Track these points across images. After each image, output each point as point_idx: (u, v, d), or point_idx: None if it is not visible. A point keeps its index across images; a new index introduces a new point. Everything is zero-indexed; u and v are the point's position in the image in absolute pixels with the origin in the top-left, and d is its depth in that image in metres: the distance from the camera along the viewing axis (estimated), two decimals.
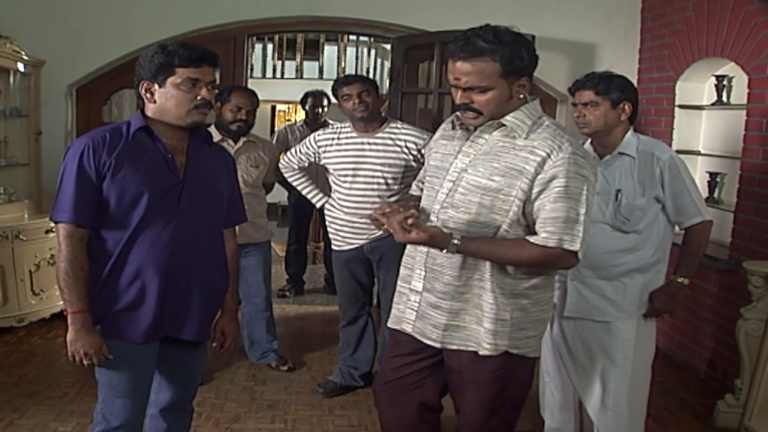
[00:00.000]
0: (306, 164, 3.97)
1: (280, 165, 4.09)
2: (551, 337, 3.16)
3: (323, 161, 3.83)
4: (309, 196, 4.04)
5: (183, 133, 2.35)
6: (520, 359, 2.33)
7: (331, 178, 3.84)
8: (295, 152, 3.96)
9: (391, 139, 3.66)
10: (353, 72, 11.00)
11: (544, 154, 2.14)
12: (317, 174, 4.56)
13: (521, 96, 2.21)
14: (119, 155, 2.22)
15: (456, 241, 2.16)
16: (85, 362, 2.25)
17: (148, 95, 2.29)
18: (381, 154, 3.64)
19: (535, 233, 2.20)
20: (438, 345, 2.36)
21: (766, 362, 3.48)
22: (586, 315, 2.98)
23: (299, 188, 4.06)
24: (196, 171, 2.36)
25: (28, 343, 4.61)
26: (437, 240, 2.17)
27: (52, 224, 4.86)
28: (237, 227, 3.97)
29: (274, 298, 5.86)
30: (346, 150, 3.72)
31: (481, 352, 2.29)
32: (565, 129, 2.26)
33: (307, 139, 3.93)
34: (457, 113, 2.32)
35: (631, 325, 2.97)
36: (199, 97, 2.27)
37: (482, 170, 2.22)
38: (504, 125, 2.22)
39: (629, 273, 2.93)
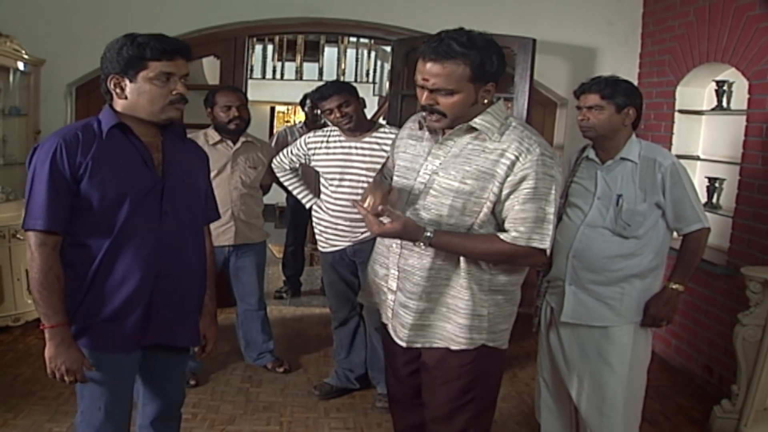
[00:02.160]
0: (297, 165, 3.98)
1: (272, 165, 4.09)
2: (548, 342, 3.16)
3: (312, 163, 3.83)
4: (299, 197, 4.04)
5: (156, 129, 2.23)
6: (493, 351, 2.38)
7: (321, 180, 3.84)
8: (287, 153, 3.97)
9: (378, 143, 3.66)
10: (353, 75, 11.03)
11: (513, 158, 2.18)
12: (315, 176, 4.55)
13: (485, 101, 2.23)
14: (95, 156, 2.08)
15: (429, 234, 2.20)
16: (67, 379, 2.12)
17: (118, 90, 2.14)
18: (368, 158, 3.64)
19: (504, 230, 2.24)
20: (404, 344, 2.40)
21: (763, 368, 3.47)
22: (584, 320, 2.97)
23: (290, 188, 4.06)
24: (174, 168, 2.24)
25: (23, 343, 4.60)
26: (410, 230, 2.21)
27: None
28: (234, 228, 4.01)
29: (270, 300, 5.90)
30: (334, 153, 3.72)
31: (453, 347, 2.33)
32: (531, 128, 2.30)
33: (298, 141, 3.93)
34: (423, 114, 2.32)
35: (628, 331, 2.97)
36: (174, 92, 2.14)
37: (454, 173, 2.25)
38: (474, 128, 2.24)
39: (628, 278, 2.92)
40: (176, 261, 2.25)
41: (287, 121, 12.23)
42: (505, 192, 2.20)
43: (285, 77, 11.16)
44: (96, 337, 2.17)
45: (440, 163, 2.28)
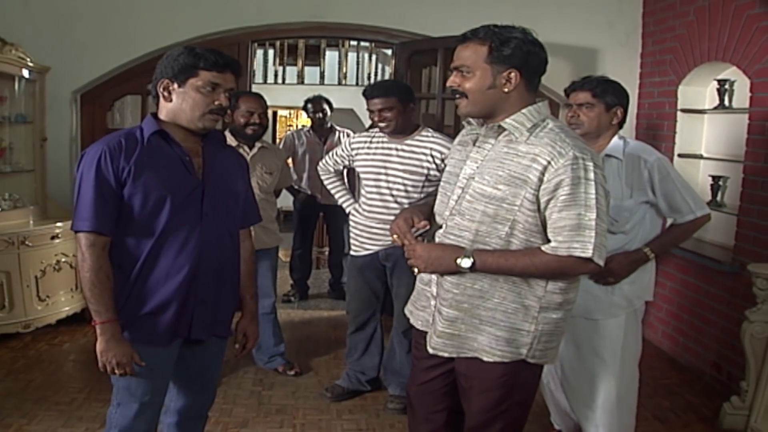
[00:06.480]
0: (341, 167, 4.01)
1: (318, 168, 4.13)
2: None
3: (354, 164, 3.85)
4: (340, 201, 4.06)
5: (197, 137, 2.35)
6: (530, 366, 2.30)
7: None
8: (332, 155, 4.01)
9: (419, 146, 3.64)
10: (354, 79, 11.04)
11: (545, 162, 2.10)
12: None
13: (506, 90, 2.18)
14: (138, 160, 2.20)
15: (466, 261, 2.18)
16: (117, 372, 2.23)
17: (165, 93, 2.27)
18: (406, 160, 3.62)
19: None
20: (431, 350, 2.35)
21: None
22: (576, 314, 3.00)
23: (332, 191, 4.10)
24: (214, 173, 2.36)
25: (34, 349, 4.62)
26: (445, 260, 2.22)
27: (58, 230, 4.84)
28: (253, 233, 4.03)
29: (279, 304, 5.91)
30: (374, 154, 3.73)
31: (485, 358, 2.26)
32: (569, 131, 2.24)
33: (343, 142, 3.97)
34: (470, 119, 2.35)
35: (619, 323, 3.01)
36: (216, 102, 2.26)
37: (488, 178, 2.19)
38: (505, 129, 2.20)
39: None
40: (214, 260, 2.36)
41: (290, 125, 12.28)
42: (543, 200, 2.12)
43: (287, 81, 11.18)
44: (137, 331, 2.28)
45: (477, 167, 2.23)
